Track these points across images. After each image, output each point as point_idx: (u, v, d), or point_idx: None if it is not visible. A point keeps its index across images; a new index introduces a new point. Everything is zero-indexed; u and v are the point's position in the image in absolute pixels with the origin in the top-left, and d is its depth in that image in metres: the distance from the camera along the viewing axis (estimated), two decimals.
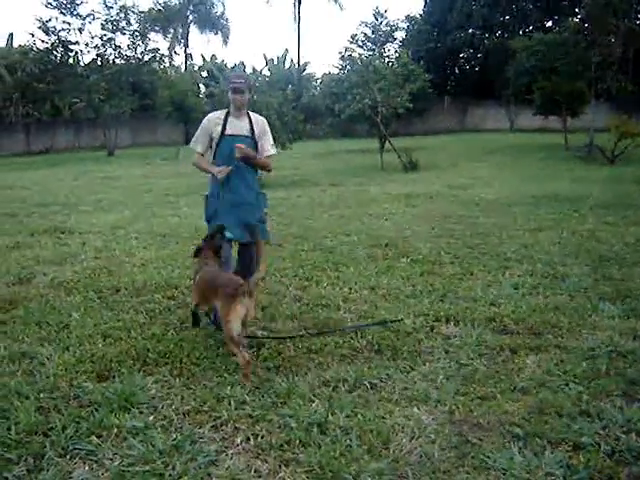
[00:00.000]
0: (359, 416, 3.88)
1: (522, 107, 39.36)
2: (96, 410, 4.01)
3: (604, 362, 4.62)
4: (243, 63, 59.02)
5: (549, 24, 45.16)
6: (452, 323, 5.61)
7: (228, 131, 5.85)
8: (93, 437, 3.70)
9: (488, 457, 3.43)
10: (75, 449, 3.59)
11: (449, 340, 5.19)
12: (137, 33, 39.08)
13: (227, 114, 5.93)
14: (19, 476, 3.37)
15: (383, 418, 3.87)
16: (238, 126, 5.88)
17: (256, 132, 5.92)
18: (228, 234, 5.70)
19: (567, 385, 4.28)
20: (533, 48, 28.06)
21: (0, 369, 4.75)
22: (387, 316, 5.78)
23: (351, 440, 3.60)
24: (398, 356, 4.89)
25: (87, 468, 3.44)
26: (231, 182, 5.79)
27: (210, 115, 6.06)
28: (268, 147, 6.01)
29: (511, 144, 32.02)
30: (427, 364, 4.71)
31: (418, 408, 4.01)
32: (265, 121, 6.13)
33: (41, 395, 4.24)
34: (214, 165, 5.85)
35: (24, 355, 5.00)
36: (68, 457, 3.53)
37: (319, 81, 51.53)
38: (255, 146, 5.90)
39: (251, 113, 6.03)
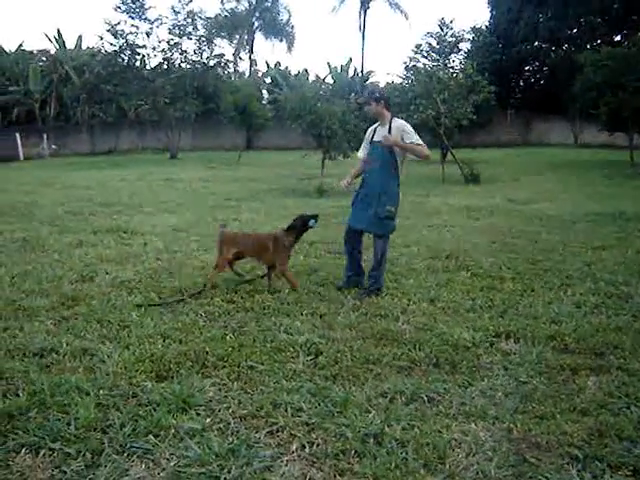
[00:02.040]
0: (416, 429, 3.84)
1: (587, 122, 38.75)
2: (154, 410, 4.06)
3: None
4: (307, 71, 59.51)
5: (617, 38, 44.25)
6: (512, 340, 5.52)
7: (375, 138, 7.18)
8: (150, 436, 3.75)
9: (546, 478, 3.37)
10: (132, 447, 3.64)
11: (508, 357, 5.11)
12: (203, 38, 39.65)
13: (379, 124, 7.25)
14: (77, 471, 3.43)
15: (440, 432, 3.83)
16: (380, 133, 7.10)
17: (394, 135, 6.97)
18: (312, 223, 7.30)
19: (629, 408, 4.17)
20: (601, 62, 27.54)
21: (62, 364, 4.85)
22: (446, 330, 5.72)
23: (407, 453, 3.57)
24: (456, 370, 4.84)
25: (143, 467, 3.49)
26: (365, 181, 7.21)
27: (370, 128, 7.48)
28: (409, 136, 7.01)
29: (575, 159, 31.55)
30: (485, 380, 4.65)
31: (475, 424, 3.96)
32: (403, 123, 7.17)
33: (101, 392, 4.31)
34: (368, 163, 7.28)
35: (85, 352, 5.11)
36: (125, 455, 3.58)
37: None
38: (390, 148, 6.99)
39: (395, 119, 7.17)
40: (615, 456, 3.57)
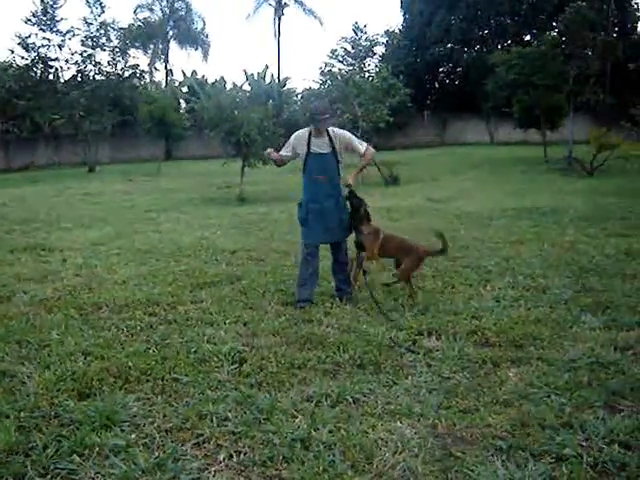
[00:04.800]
0: (342, 431, 3.86)
1: (502, 120, 39.66)
2: (77, 429, 3.96)
3: (585, 373, 4.65)
4: (224, 78, 59.02)
5: (527, 38, 45.56)
6: (434, 337, 5.61)
7: (312, 149, 6.90)
8: (75, 456, 3.65)
9: (472, 470, 3.42)
10: (56, 469, 3.54)
11: (431, 354, 5.19)
12: (117, 49, 39.11)
13: (310, 134, 6.93)
14: None
15: (366, 433, 3.86)
16: (319, 144, 6.88)
17: (337, 146, 6.89)
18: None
19: (549, 397, 4.29)
20: (511, 62, 28.27)
21: None
22: (369, 330, 5.77)
23: (334, 455, 3.58)
24: (380, 370, 4.88)
25: None
26: (314, 194, 7.02)
27: (296, 133, 7.12)
28: (358, 146, 7.02)
29: (491, 157, 32.22)
30: (409, 378, 4.71)
31: (401, 422, 4.00)
32: (343, 132, 7.12)
33: (21, 414, 4.18)
34: (305, 177, 7.14)
35: (4, 374, 4.94)
36: (49, 477, 3.48)
37: (300, 96, 51.64)
38: (336, 159, 6.94)
39: (330, 129, 6.93)
40: (538, 445, 3.67)
